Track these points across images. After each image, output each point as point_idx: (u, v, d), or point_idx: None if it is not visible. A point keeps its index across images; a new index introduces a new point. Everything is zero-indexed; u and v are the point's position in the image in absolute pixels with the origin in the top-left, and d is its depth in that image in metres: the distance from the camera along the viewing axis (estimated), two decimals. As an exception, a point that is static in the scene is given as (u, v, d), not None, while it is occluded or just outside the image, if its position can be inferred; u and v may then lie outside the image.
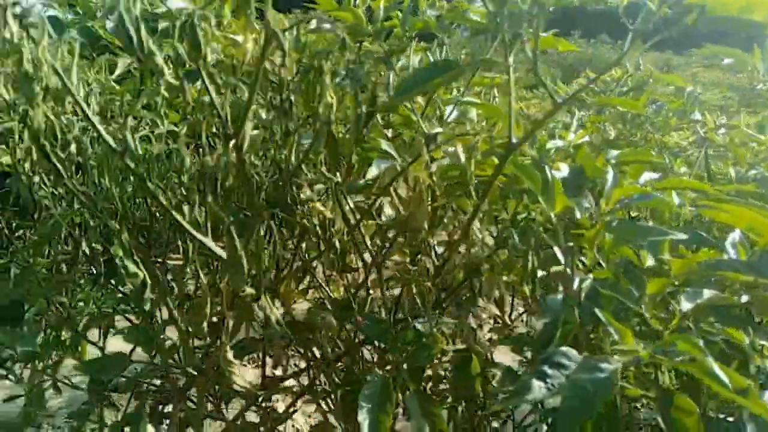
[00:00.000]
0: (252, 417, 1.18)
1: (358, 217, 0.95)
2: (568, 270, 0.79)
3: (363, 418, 0.76)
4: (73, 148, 0.83)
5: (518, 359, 1.21)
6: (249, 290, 0.83)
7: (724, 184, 1.20)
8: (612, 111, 1.58)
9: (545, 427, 1.17)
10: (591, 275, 0.76)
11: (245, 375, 1.05)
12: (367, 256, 1.01)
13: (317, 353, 1.09)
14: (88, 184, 0.96)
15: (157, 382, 1.22)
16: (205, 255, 1.00)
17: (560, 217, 0.80)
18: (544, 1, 0.69)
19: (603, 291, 0.70)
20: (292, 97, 0.83)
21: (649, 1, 0.67)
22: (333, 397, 1.14)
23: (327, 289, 1.15)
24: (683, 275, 0.76)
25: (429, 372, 1.01)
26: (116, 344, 1.22)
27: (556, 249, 0.82)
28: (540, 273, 0.94)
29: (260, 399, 1.17)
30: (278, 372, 1.19)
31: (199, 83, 0.76)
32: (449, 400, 1.03)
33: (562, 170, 0.85)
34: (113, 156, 0.73)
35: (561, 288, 0.79)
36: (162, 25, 0.77)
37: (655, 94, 1.62)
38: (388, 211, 0.91)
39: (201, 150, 0.84)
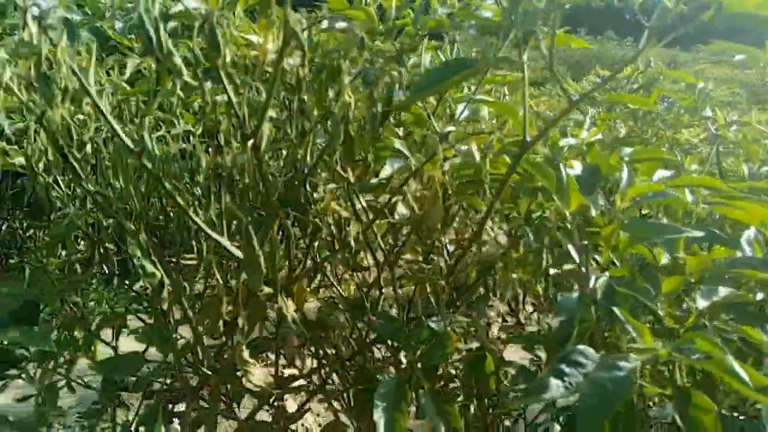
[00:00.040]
0: (263, 416, 1.18)
1: (372, 216, 0.95)
2: (583, 268, 0.79)
3: (379, 417, 0.76)
4: (89, 148, 0.83)
5: (528, 357, 1.21)
6: (267, 289, 0.84)
7: (735, 181, 1.19)
8: (623, 108, 1.58)
9: (557, 427, 1.16)
10: (606, 273, 0.76)
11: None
12: (379, 255, 1.02)
13: (330, 352, 1.09)
14: (102, 184, 0.96)
15: (167, 381, 1.23)
16: (219, 254, 1.00)
17: (575, 215, 0.80)
18: (559, -1, 0.69)
19: (620, 289, 0.70)
20: (305, 97, 0.83)
21: (665, -2, 0.67)
22: (345, 396, 1.14)
23: (339, 288, 1.15)
24: (699, 273, 0.76)
25: (440, 371, 1.01)
26: (129, 344, 1.23)
27: (570, 247, 0.81)
28: (552, 271, 0.94)
29: (272, 398, 1.17)
30: (289, 371, 1.19)
31: (209, 83, 0.76)
32: (460, 398, 1.03)
33: (576, 168, 0.85)
34: (130, 156, 0.73)
35: (575, 286, 0.79)
36: (171, 24, 0.78)
37: (665, 91, 1.61)
38: (401, 209, 0.91)
39: (216, 150, 0.84)
